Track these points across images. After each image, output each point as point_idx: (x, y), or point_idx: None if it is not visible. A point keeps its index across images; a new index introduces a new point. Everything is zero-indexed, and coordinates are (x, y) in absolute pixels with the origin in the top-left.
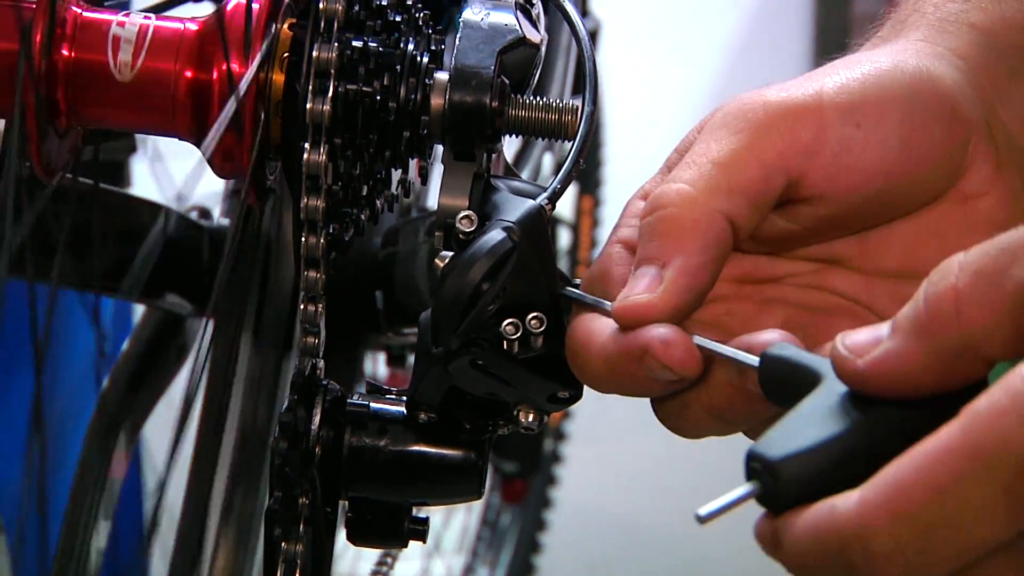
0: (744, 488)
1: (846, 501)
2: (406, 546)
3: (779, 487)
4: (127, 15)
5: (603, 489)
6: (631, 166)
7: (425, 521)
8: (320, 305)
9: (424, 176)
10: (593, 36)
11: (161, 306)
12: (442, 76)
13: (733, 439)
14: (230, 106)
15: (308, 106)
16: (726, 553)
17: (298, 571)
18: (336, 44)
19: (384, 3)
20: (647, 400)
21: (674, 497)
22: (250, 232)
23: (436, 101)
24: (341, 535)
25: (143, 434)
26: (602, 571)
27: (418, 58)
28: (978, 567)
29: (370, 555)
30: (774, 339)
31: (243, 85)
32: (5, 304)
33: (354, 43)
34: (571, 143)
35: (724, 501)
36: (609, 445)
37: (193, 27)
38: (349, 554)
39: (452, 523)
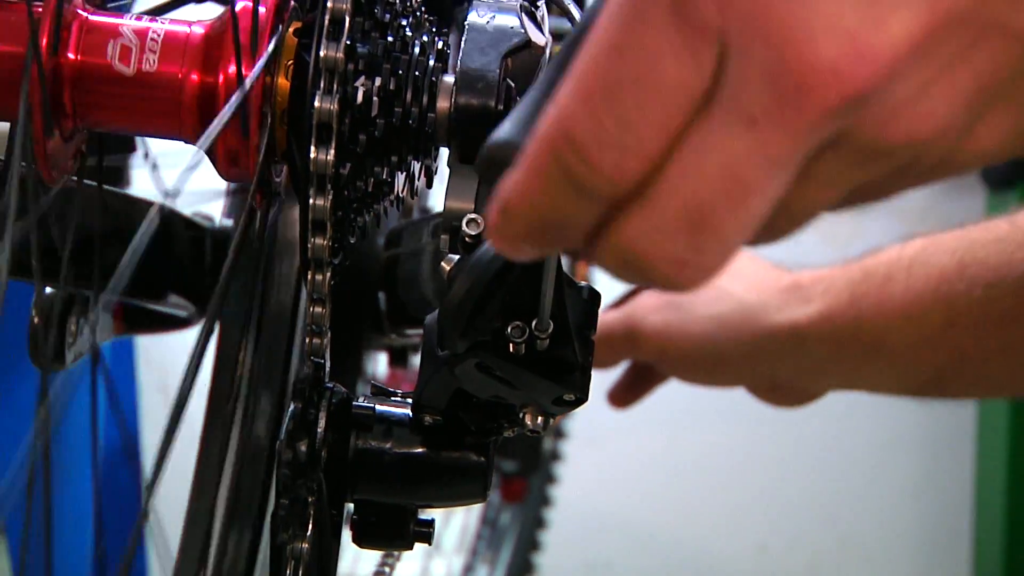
0: None
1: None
2: (411, 548)
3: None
4: (133, 18)
5: (603, 488)
6: None
7: (430, 523)
8: (326, 307)
9: (429, 179)
10: None
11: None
12: (448, 79)
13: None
14: (233, 101)
15: (315, 105)
16: (726, 553)
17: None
18: (342, 46)
19: (390, 6)
20: (647, 400)
21: (674, 497)
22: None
23: (442, 104)
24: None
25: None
26: (602, 570)
27: (424, 61)
28: (696, 137)
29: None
30: None
31: (248, 81)
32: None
33: (360, 45)
34: None
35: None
36: (609, 445)
37: (199, 30)
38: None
39: (452, 522)
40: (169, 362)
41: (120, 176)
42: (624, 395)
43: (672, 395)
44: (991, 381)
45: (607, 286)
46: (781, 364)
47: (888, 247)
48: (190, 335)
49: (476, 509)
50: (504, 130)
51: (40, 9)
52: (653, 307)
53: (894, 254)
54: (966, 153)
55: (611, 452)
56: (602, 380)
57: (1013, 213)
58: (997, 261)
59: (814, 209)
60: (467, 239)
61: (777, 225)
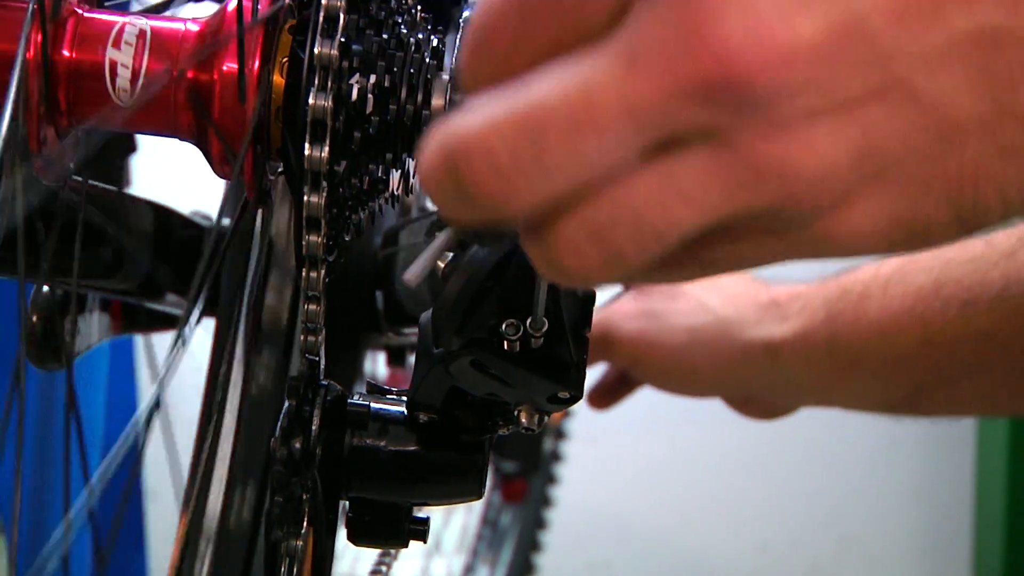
0: (445, 233)
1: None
2: (406, 546)
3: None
4: (128, 15)
5: (603, 488)
6: None
7: (425, 521)
8: (320, 304)
9: None
10: None
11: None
12: (443, 76)
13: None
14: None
15: (310, 102)
16: (726, 553)
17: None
18: (337, 43)
19: (385, 3)
20: (647, 400)
21: (674, 497)
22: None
23: (437, 101)
24: (341, 535)
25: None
26: (602, 570)
27: (419, 58)
28: (575, 60)
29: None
30: None
31: (249, 88)
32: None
33: (355, 43)
34: None
35: (429, 253)
36: (609, 445)
37: (194, 27)
38: (349, 554)
39: (452, 522)
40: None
41: (120, 176)
42: (601, 398)
43: (672, 396)
44: (967, 400)
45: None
46: (755, 379)
47: (865, 265)
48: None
49: (476, 509)
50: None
51: (35, 7)
52: (630, 314)
53: (871, 272)
54: (837, 228)
55: (611, 452)
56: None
57: (992, 232)
58: (972, 280)
59: (666, 227)
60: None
61: (619, 233)
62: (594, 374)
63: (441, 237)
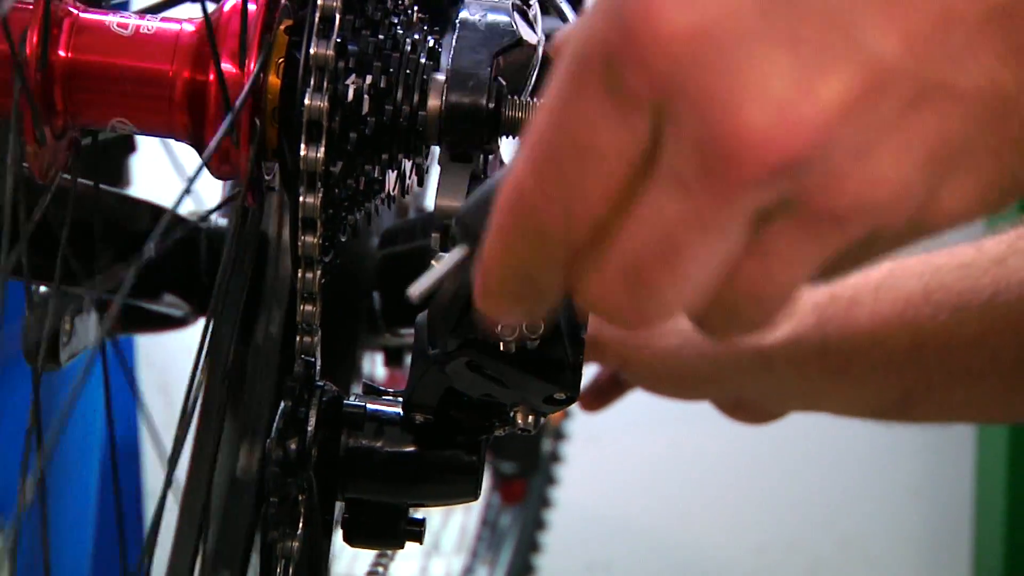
0: (457, 251)
1: None
2: (402, 547)
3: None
4: (124, 15)
5: (603, 489)
6: None
7: (421, 522)
8: (316, 305)
9: (420, 177)
10: None
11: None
12: (439, 77)
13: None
14: (228, 120)
15: (306, 103)
16: (726, 553)
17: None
18: (333, 43)
19: (381, 4)
20: (647, 400)
21: (674, 497)
22: (248, 233)
23: (433, 102)
24: (337, 536)
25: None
26: (602, 571)
27: (415, 59)
28: (638, 199)
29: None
30: None
31: (243, 95)
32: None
33: (351, 43)
34: None
35: (438, 270)
36: (609, 445)
37: (190, 28)
38: (346, 554)
39: (451, 523)
40: (169, 362)
41: (120, 175)
42: (594, 400)
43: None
44: (958, 407)
45: None
46: (746, 384)
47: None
48: (190, 335)
49: (476, 510)
50: (470, 201)
51: (31, 7)
52: None
53: (860, 278)
54: (935, 217)
55: (611, 453)
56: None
57: (1007, 229)
58: (962, 287)
59: (782, 290)
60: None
61: (748, 311)
62: (587, 376)
63: (454, 255)
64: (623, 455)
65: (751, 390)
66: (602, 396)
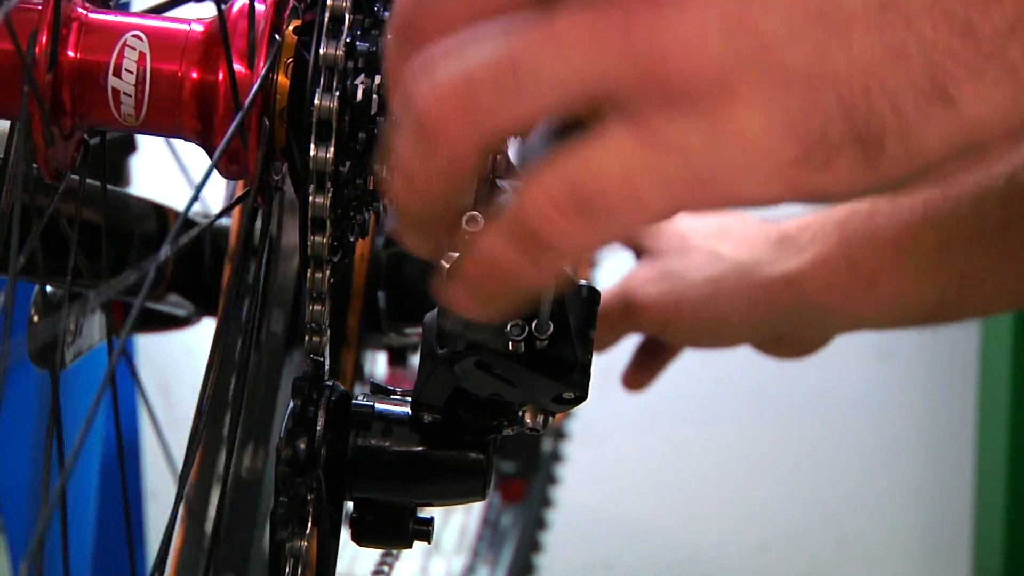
0: None
1: None
2: (410, 546)
3: None
4: (133, 16)
5: (604, 488)
6: None
7: (430, 521)
8: (325, 305)
9: None
10: None
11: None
12: None
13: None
14: (237, 120)
15: (315, 103)
16: (726, 553)
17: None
18: (342, 43)
19: (390, 3)
20: (647, 399)
21: (674, 497)
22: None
23: None
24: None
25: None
26: (602, 571)
27: None
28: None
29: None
30: None
31: (252, 94)
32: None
33: (360, 43)
34: None
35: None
36: (609, 445)
37: (199, 28)
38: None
39: (452, 523)
40: (169, 362)
41: (120, 175)
42: (637, 376)
43: (672, 395)
44: (992, 296)
45: (607, 285)
46: (783, 316)
47: None
48: (190, 335)
49: (476, 510)
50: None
51: (39, 7)
52: (648, 279)
53: None
54: (727, 124)
55: (612, 452)
56: (602, 380)
57: None
58: (977, 177)
59: (554, 75)
60: (466, 237)
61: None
62: (622, 357)
63: None
64: (624, 454)
65: (789, 322)
66: (645, 369)
